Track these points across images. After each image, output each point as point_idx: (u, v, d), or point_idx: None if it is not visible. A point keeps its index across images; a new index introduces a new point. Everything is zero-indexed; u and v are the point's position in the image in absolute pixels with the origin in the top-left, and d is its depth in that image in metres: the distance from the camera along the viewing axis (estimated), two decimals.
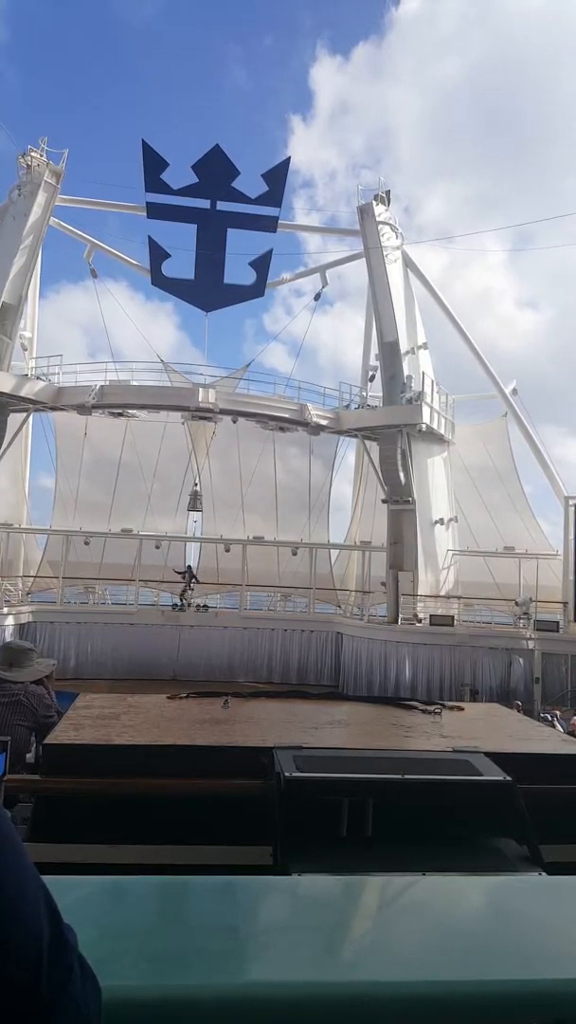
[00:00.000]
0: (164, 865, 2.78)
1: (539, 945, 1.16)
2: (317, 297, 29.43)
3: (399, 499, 23.77)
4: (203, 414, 23.73)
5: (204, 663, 22.86)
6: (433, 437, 24.11)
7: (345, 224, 28.96)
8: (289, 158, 26.96)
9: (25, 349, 25.02)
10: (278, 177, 25.86)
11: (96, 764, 3.22)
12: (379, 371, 24.98)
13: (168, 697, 4.68)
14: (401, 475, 23.20)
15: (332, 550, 28.89)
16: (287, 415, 24.14)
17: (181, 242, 26.12)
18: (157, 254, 26.07)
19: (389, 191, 25.82)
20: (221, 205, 25.48)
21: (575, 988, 1.00)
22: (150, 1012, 0.91)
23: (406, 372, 23.91)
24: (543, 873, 2.62)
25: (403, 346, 24.20)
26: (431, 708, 4.68)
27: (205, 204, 25.51)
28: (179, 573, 24.40)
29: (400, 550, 23.95)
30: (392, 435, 23.40)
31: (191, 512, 27.08)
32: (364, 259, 25.40)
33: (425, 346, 25.35)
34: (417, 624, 22.10)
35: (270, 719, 4.31)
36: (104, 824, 3.06)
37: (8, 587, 24.08)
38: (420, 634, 21.48)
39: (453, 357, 40.84)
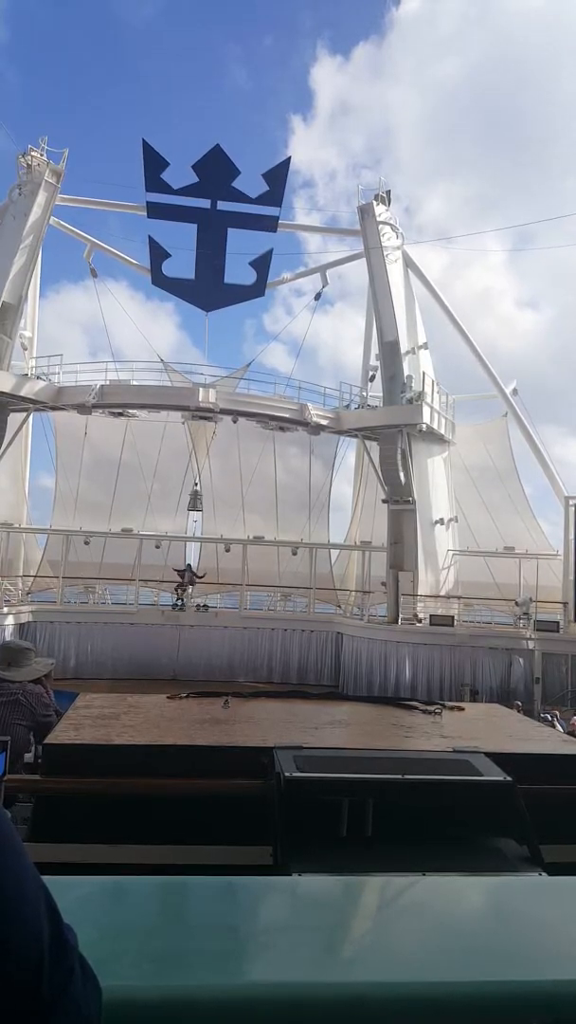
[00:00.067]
0: (164, 865, 2.78)
1: (539, 945, 1.16)
2: (317, 297, 29.47)
3: (399, 499, 23.77)
4: (203, 414, 23.74)
5: (204, 663, 22.87)
6: (433, 437, 24.11)
7: (345, 224, 29.01)
8: (289, 158, 26.98)
9: (25, 349, 25.02)
10: (278, 177, 25.85)
11: (96, 764, 3.22)
12: (379, 371, 24.98)
13: (168, 697, 4.67)
14: (401, 475, 23.20)
15: (332, 550, 28.89)
16: (287, 415, 24.14)
17: (181, 242, 26.15)
18: (157, 254, 26.06)
19: (389, 191, 25.86)
20: (221, 205, 25.48)
21: (575, 989, 1.00)
22: (150, 1012, 0.91)
23: (406, 372, 23.91)
24: (543, 873, 2.62)
25: (403, 346, 24.20)
26: (431, 708, 4.67)
27: (205, 204, 25.50)
28: (179, 572, 24.39)
29: (400, 550, 23.95)
30: (392, 435, 23.40)
31: (191, 512, 27.12)
32: (364, 259, 25.40)
33: (425, 346, 25.35)
34: (417, 624, 22.10)
35: (270, 719, 4.31)
36: (104, 824, 3.06)
37: (8, 587, 24.08)
38: (420, 634, 21.48)
39: (453, 357, 40.88)
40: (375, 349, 25.74)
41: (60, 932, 0.74)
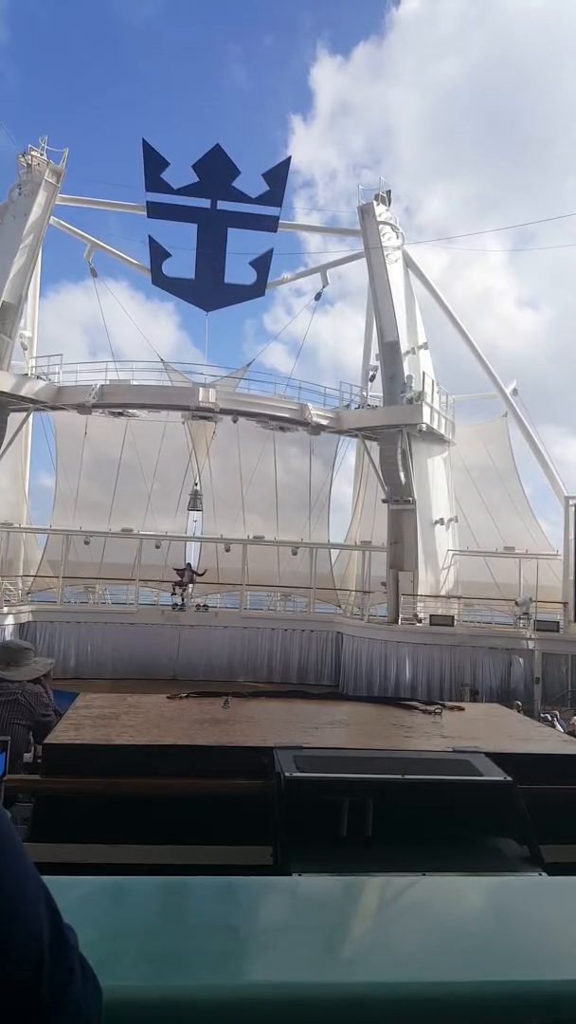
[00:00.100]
0: (164, 865, 2.78)
1: (539, 945, 1.16)
2: (318, 297, 29.48)
3: (399, 499, 23.77)
4: (203, 414, 23.75)
5: (204, 663, 22.87)
6: (433, 437, 24.12)
7: (345, 224, 29.02)
8: (289, 158, 27.02)
9: (25, 348, 25.02)
10: (278, 177, 25.86)
11: (96, 764, 3.22)
12: (379, 371, 24.98)
13: (168, 697, 4.67)
14: (401, 475, 23.20)
15: (332, 550, 28.90)
16: (287, 415, 24.14)
17: (181, 242, 26.16)
18: (157, 253, 26.06)
19: (390, 191, 25.86)
20: (222, 204, 25.48)
21: (575, 989, 1.00)
22: (150, 1013, 0.91)
23: (406, 372, 23.91)
24: (543, 873, 2.62)
25: (403, 346, 24.21)
26: (431, 708, 4.67)
27: (205, 204, 25.51)
28: (178, 571, 24.37)
29: (400, 550, 23.95)
30: (392, 435, 23.40)
31: (191, 512, 27.13)
32: (365, 259, 25.40)
33: (425, 346, 25.36)
34: (417, 624, 22.10)
35: (270, 719, 4.31)
36: (104, 824, 3.06)
37: (8, 587, 24.08)
38: (420, 634, 21.48)
39: (453, 357, 40.88)
40: (375, 349, 25.74)
41: (60, 932, 0.74)
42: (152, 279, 26.38)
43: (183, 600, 24.01)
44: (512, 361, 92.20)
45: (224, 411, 23.65)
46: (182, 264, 26.14)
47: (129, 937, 1.08)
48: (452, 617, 21.57)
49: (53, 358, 24.46)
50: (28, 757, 4.06)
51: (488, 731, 4.35)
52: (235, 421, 24.81)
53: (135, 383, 24.34)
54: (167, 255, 26.17)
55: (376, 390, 25.45)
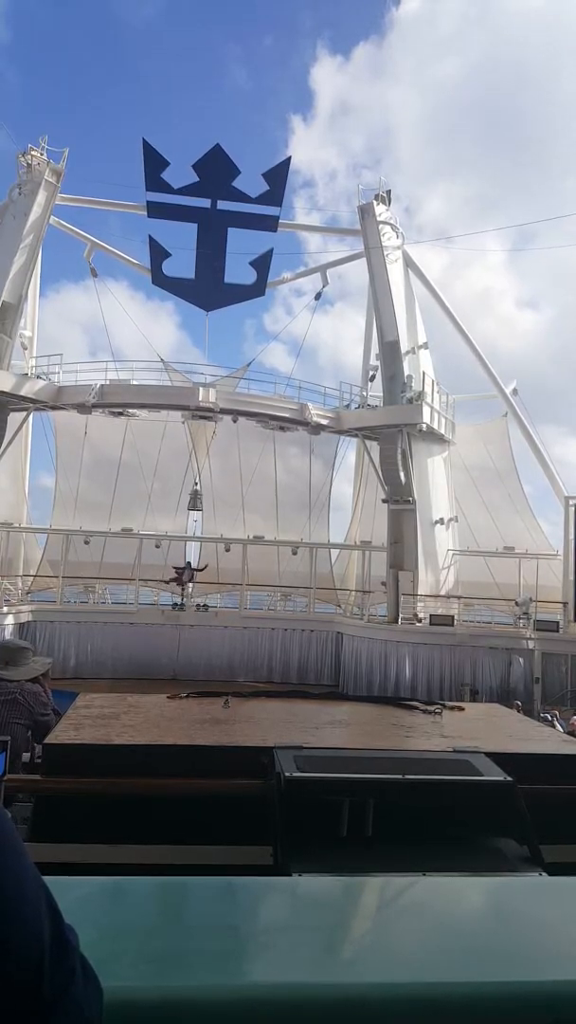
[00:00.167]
0: (164, 865, 2.78)
1: (539, 946, 1.16)
2: (318, 297, 29.48)
3: (399, 499, 23.78)
4: (203, 413, 23.75)
5: (204, 663, 22.86)
6: (433, 437, 24.12)
7: (346, 224, 29.02)
8: (289, 158, 27.08)
9: (25, 348, 25.03)
10: (278, 176, 25.86)
11: (96, 764, 3.22)
12: (379, 371, 24.99)
13: (168, 697, 4.67)
14: (401, 475, 23.20)
15: (332, 550, 28.90)
16: (287, 415, 24.15)
17: (182, 241, 26.16)
18: (157, 253, 26.07)
19: (390, 191, 25.87)
20: (222, 204, 25.48)
21: (575, 989, 1.00)
22: (150, 1013, 0.91)
23: (406, 372, 23.92)
24: (543, 874, 2.62)
25: (403, 346, 24.21)
26: (431, 708, 4.67)
27: (206, 203, 25.51)
28: (177, 569, 24.36)
29: (400, 550, 23.95)
30: (392, 435, 23.41)
31: (191, 511, 27.13)
32: (364, 259, 25.40)
33: (425, 346, 25.36)
34: (417, 624, 22.10)
35: (270, 719, 4.31)
36: (104, 824, 3.06)
37: (8, 586, 24.09)
38: (420, 634, 21.48)
39: (453, 357, 40.87)
40: (375, 349, 25.74)
41: (61, 932, 0.74)
42: (152, 279, 26.39)
43: (183, 599, 24.02)
44: (512, 361, 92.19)
45: (224, 411, 23.65)
46: (182, 264, 26.18)
47: (129, 937, 1.08)
48: (452, 617, 21.58)
49: (53, 358, 24.49)
50: (27, 757, 4.06)
51: (488, 731, 4.35)
52: (235, 421, 24.81)
53: (135, 383, 24.34)
54: (167, 255, 26.18)
55: (376, 390, 25.45)
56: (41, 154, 23.85)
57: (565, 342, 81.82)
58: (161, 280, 26.34)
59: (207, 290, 26.16)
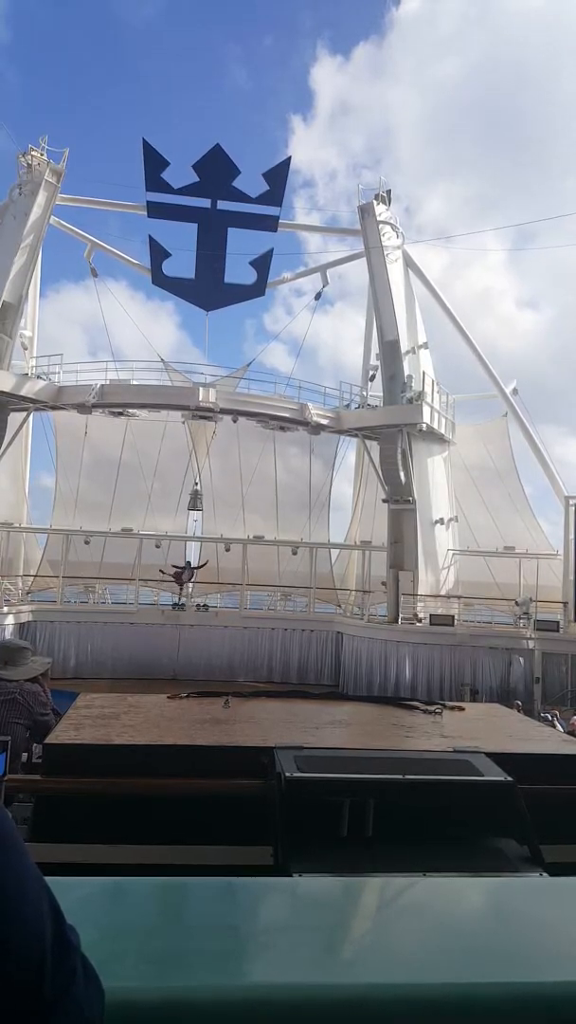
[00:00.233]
0: (164, 865, 2.78)
1: (540, 946, 1.16)
2: (318, 297, 29.51)
3: (399, 499, 23.78)
4: (203, 413, 23.76)
5: (204, 663, 22.87)
6: (433, 437, 24.13)
7: (346, 224, 29.03)
8: (289, 158, 27.11)
9: (25, 348, 25.04)
10: (279, 176, 25.88)
11: (96, 764, 3.22)
12: (379, 371, 25.00)
13: (168, 697, 4.67)
14: (401, 475, 23.21)
15: (332, 550, 28.90)
16: (287, 415, 24.15)
17: (182, 241, 26.20)
18: (158, 253, 26.08)
19: (390, 191, 25.88)
20: (222, 204, 25.50)
21: (575, 989, 1.00)
22: (150, 1013, 0.91)
23: (406, 372, 23.92)
24: (544, 874, 2.62)
25: (403, 346, 24.21)
26: (432, 708, 4.67)
27: (206, 203, 25.53)
28: (177, 568, 24.35)
29: (400, 550, 23.96)
30: (392, 435, 23.41)
31: (191, 511, 27.15)
32: (364, 259, 25.41)
33: (425, 346, 25.37)
34: (417, 624, 22.11)
35: (271, 719, 4.30)
36: (104, 824, 3.06)
37: (8, 586, 24.09)
38: (420, 634, 21.49)
39: (453, 357, 40.89)
40: (375, 349, 25.75)
41: (63, 932, 0.74)
42: (152, 279, 26.40)
43: (181, 599, 24.02)
44: (512, 361, 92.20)
45: (224, 411, 23.66)
46: (182, 264, 26.21)
47: (129, 937, 1.08)
48: (452, 617, 21.58)
49: (53, 358, 24.52)
50: (26, 757, 4.06)
51: (488, 731, 4.34)
52: (235, 421, 24.82)
53: (135, 383, 24.35)
54: (167, 255, 26.20)
55: (376, 390, 25.46)
56: (41, 154, 23.86)
57: (565, 342, 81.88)
58: (161, 280, 26.35)
59: (207, 290, 26.17)
